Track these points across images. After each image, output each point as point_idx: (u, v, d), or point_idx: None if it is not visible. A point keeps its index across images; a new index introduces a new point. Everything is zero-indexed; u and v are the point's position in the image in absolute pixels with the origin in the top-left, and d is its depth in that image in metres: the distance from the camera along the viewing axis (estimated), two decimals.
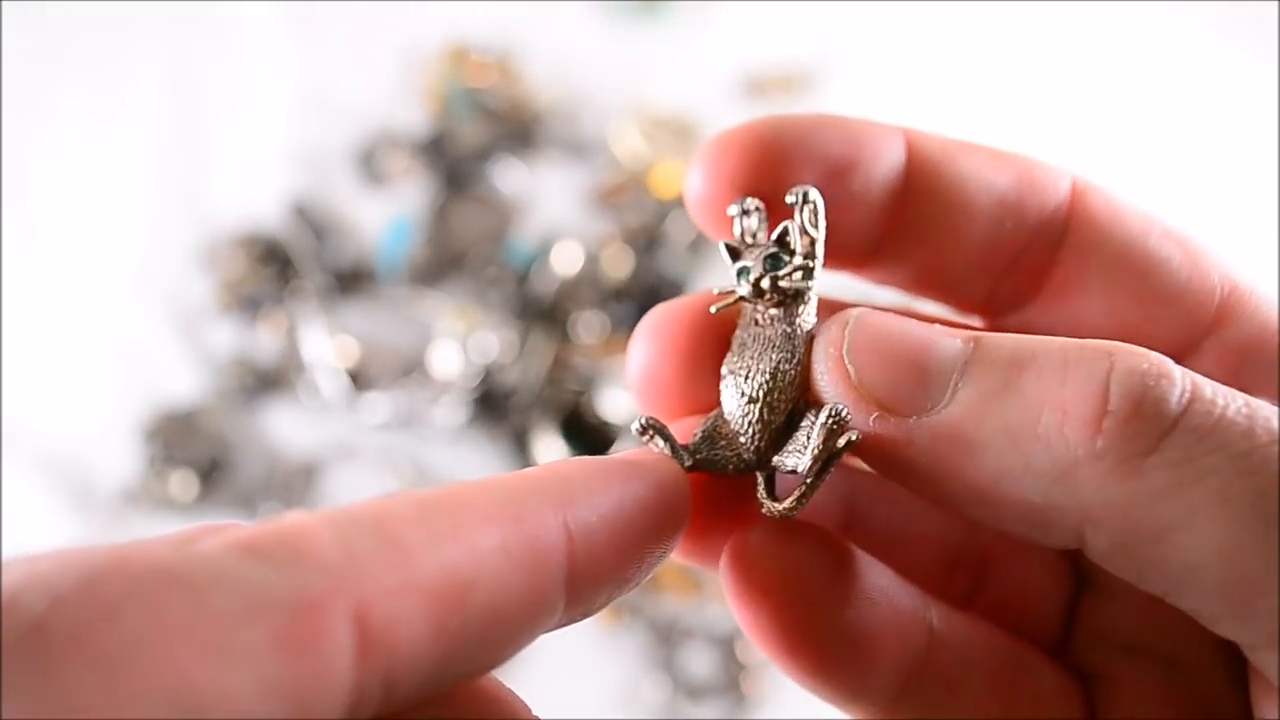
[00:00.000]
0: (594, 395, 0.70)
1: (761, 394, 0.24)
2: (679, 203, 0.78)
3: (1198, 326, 0.24)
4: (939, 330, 0.22)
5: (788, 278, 0.24)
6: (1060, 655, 0.27)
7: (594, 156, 0.81)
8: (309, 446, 0.72)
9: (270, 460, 0.72)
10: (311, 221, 0.77)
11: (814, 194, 0.24)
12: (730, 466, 0.24)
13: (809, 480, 0.23)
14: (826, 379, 0.22)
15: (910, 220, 0.25)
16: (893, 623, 0.24)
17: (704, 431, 0.24)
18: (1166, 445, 0.18)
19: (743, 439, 0.24)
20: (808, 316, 0.24)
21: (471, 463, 0.72)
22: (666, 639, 0.67)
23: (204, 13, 0.85)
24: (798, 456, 0.23)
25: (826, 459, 0.22)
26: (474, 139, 0.80)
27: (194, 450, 0.70)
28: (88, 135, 0.81)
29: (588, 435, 0.70)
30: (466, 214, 0.78)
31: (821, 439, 0.22)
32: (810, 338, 0.24)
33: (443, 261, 0.76)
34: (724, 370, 0.25)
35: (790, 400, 0.24)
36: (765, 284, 0.24)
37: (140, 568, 0.14)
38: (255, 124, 0.82)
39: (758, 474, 0.24)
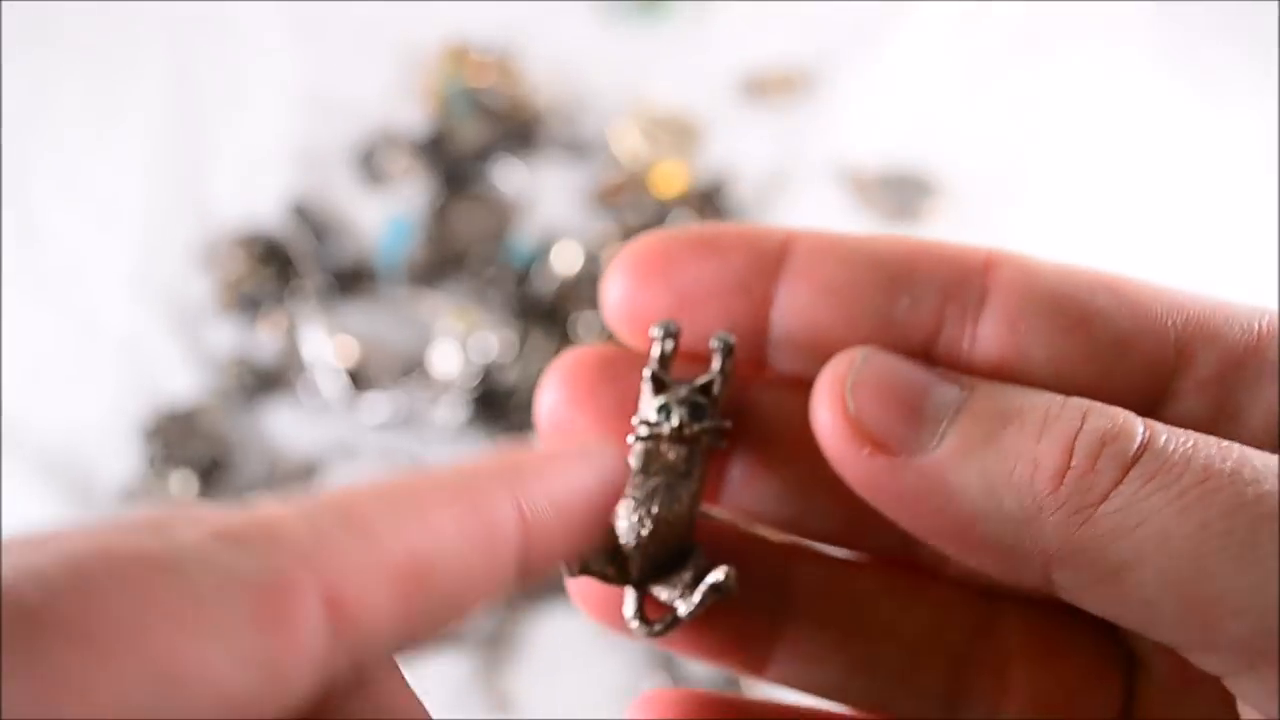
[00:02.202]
0: None
1: (660, 529, 0.25)
2: (679, 202, 0.78)
3: (1159, 368, 0.24)
4: (938, 376, 0.23)
5: (710, 434, 0.25)
6: None
7: (594, 156, 0.81)
8: (309, 446, 0.72)
9: (270, 460, 0.72)
10: (311, 221, 0.77)
11: (733, 342, 0.25)
12: (612, 582, 0.26)
13: (681, 621, 0.25)
14: (825, 412, 0.23)
15: (796, 310, 0.26)
16: None
17: (597, 540, 0.25)
18: (1116, 493, 0.20)
19: (630, 562, 0.26)
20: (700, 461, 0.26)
21: None
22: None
23: (204, 13, 0.85)
24: (680, 598, 0.25)
25: (704, 608, 0.25)
26: (474, 139, 0.80)
27: (194, 450, 0.70)
28: (88, 135, 0.81)
29: None
30: (466, 214, 0.78)
31: (709, 596, 0.24)
32: (704, 475, 0.26)
33: (442, 261, 0.76)
34: (625, 492, 0.26)
35: (680, 537, 0.26)
36: (688, 433, 0.25)
37: (125, 555, 0.15)
38: (255, 124, 0.82)
39: (630, 590, 0.26)
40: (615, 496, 0.23)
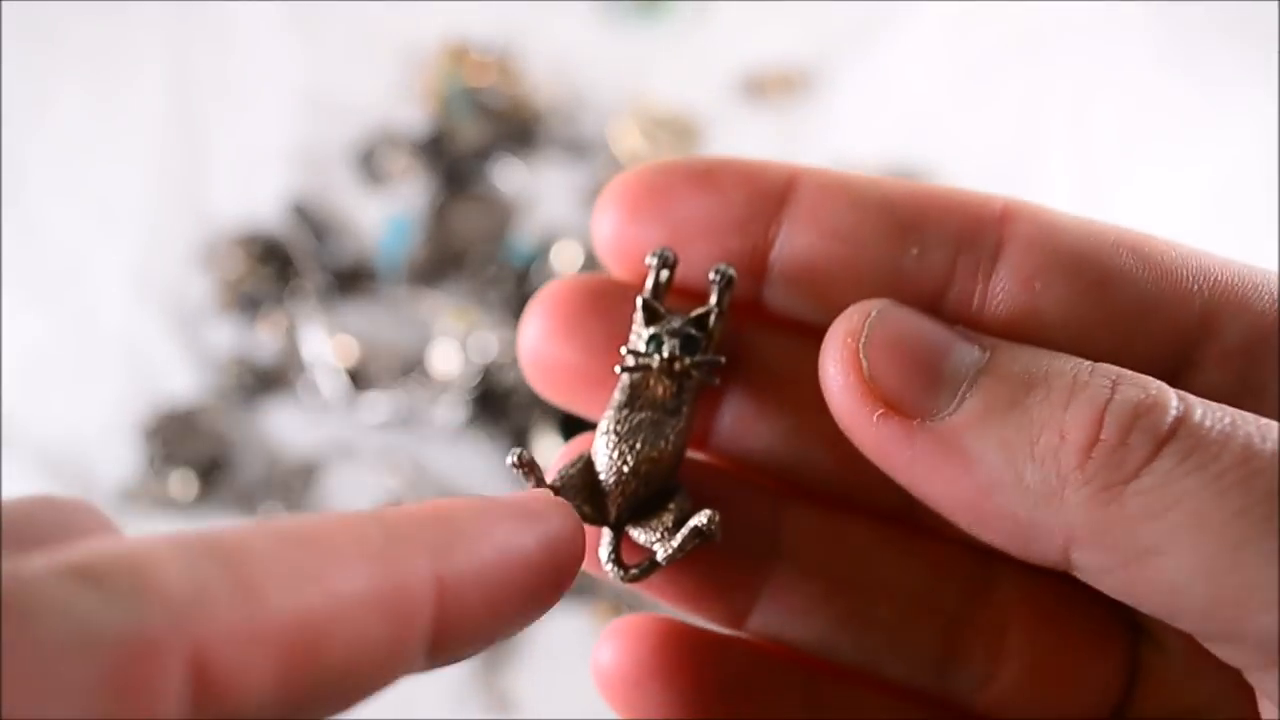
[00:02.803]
0: None
1: (643, 468, 0.24)
2: None
3: (1184, 336, 0.23)
4: (958, 335, 0.22)
5: (700, 368, 0.24)
6: None
7: (594, 156, 0.81)
8: (309, 446, 0.72)
9: (270, 460, 0.72)
10: (311, 221, 0.77)
11: (733, 274, 0.24)
12: (588, 520, 0.24)
13: (660, 565, 0.24)
14: (836, 369, 0.22)
15: (797, 251, 0.24)
16: (767, 703, 0.25)
17: (571, 475, 0.24)
18: (1147, 471, 0.19)
19: (609, 500, 0.24)
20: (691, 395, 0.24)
21: (471, 462, 0.73)
22: None
23: (204, 13, 0.85)
24: (659, 541, 0.24)
25: (683, 554, 0.23)
26: (474, 138, 0.80)
27: (194, 450, 0.70)
28: (88, 135, 0.81)
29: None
30: (466, 213, 0.78)
31: (690, 541, 0.23)
32: (694, 412, 0.24)
33: (442, 261, 0.76)
34: (604, 426, 0.24)
35: (663, 477, 0.24)
36: (678, 367, 0.24)
37: None
38: (255, 124, 0.82)
39: (607, 530, 0.25)
40: (557, 571, 0.20)
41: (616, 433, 0.24)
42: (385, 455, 0.72)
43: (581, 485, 0.24)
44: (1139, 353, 0.23)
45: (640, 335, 0.24)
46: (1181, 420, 0.19)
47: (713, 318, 0.24)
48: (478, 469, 0.72)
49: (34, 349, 0.74)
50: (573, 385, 0.26)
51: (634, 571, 0.24)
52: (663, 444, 0.24)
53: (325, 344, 0.73)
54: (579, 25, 0.86)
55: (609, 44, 0.85)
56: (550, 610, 0.20)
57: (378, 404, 0.72)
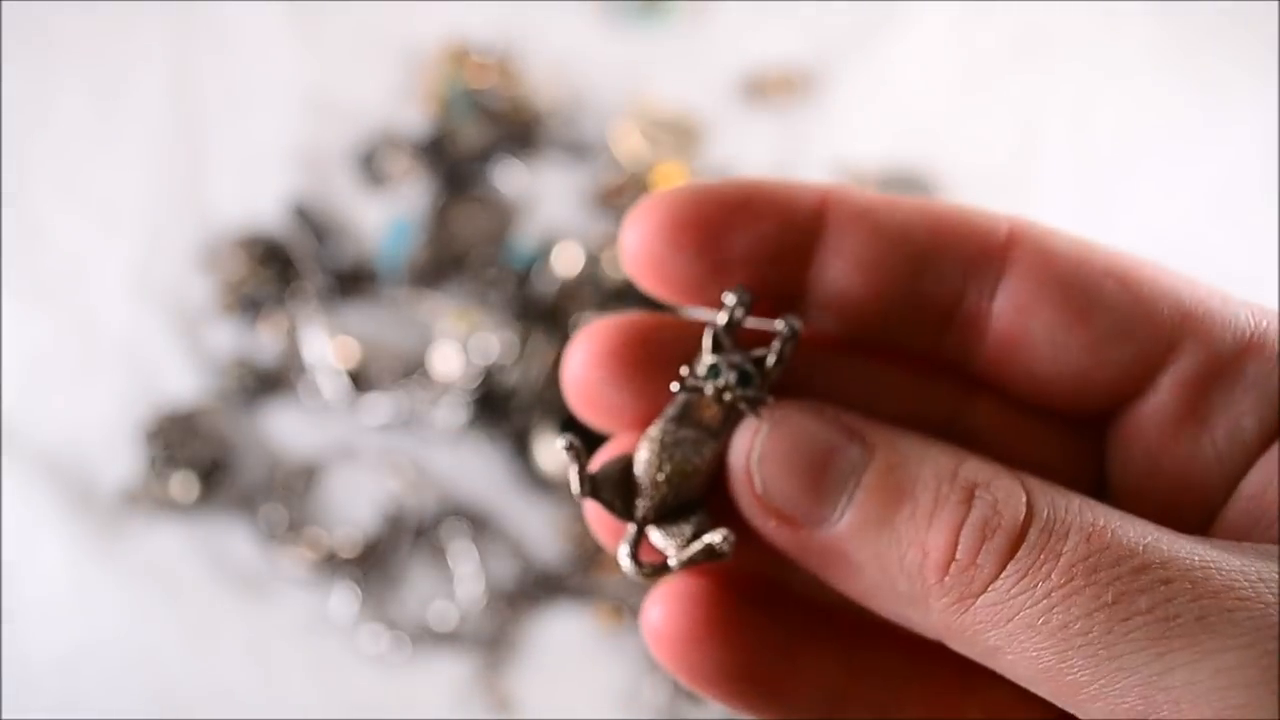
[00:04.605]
0: None
1: (676, 478, 0.26)
2: None
3: (1149, 361, 0.25)
4: (843, 435, 0.24)
5: (748, 403, 0.26)
6: None
7: (594, 157, 0.81)
8: (310, 447, 0.73)
9: (271, 461, 0.72)
10: (312, 222, 0.77)
11: (799, 328, 0.26)
12: (616, 513, 0.27)
13: (670, 570, 0.26)
14: (736, 483, 0.25)
15: (830, 273, 0.27)
16: (807, 666, 0.28)
17: (614, 470, 0.27)
18: (992, 587, 0.22)
19: (639, 499, 0.26)
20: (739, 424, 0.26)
21: (472, 464, 0.73)
22: None
23: (204, 13, 0.85)
24: (674, 546, 0.26)
25: (693, 564, 0.26)
26: (474, 140, 0.80)
27: (194, 451, 0.70)
28: (88, 135, 0.81)
29: (588, 437, 0.70)
30: (467, 215, 0.78)
31: (701, 554, 0.25)
32: (729, 440, 0.26)
33: (443, 262, 0.76)
34: (651, 433, 0.26)
35: (694, 490, 0.26)
36: (728, 397, 0.26)
37: None
38: (255, 124, 0.82)
39: (631, 527, 0.27)
40: None
41: (661, 441, 0.26)
42: (386, 457, 0.72)
43: (618, 481, 0.27)
44: (1109, 373, 0.25)
45: (703, 361, 0.27)
46: (1021, 537, 0.22)
47: (770, 360, 0.26)
48: (479, 471, 0.72)
49: (34, 350, 0.74)
50: (610, 415, 0.28)
51: (646, 569, 0.26)
52: (698, 460, 0.26)
53: (326, 346, 0.73)
54: (579, 27, 0.86)
55: (609, 45, 0.85)
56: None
57: (379, 406, 0.72)
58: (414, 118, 0.81)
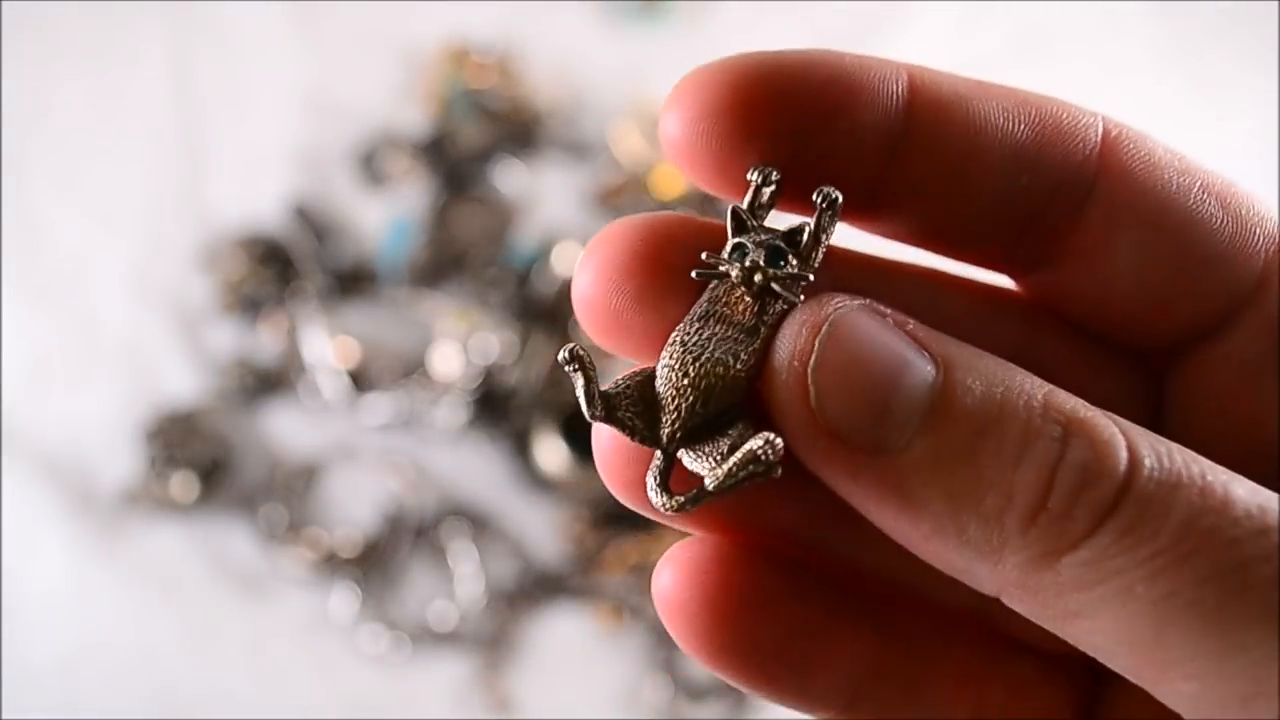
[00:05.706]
0: None
1: (703, 383, 0.21)
2: (680, 203, 0.78)
3: (1236, 295, 0.23)
4: (912, 355, 0.20)
5: (783, 283, 0.22)
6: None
7: (594, 157, 0.81)
8: (310, 447, 0.73)
9: (271, 461, 0.72)
10: (312, 222, 0.77)
11: (839, 199, 0.22)
12: (637, 436, 0.22)
13: (709, 495, 0.21)
14: (783, 392, 0.21)
15: (912, 171, 0.23)
16: (837, 640, 0.24)
17: (627, 385, 0.22)
18: (1086, 545, 0.19)
19: (664, 416, 0.22)
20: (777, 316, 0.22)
21: (472, 464, 0.73)
22: (667, 640, 0.67)
23: (204, 13, 0.85)
24: (710, 468, 0.21)
25: (735, 483, 0.21)
26: (474, 140, 0.80)
27: (195, 451, 0.70)
28: (88, 135, 0.81)
29: (589, 436, 0.70)
30: (467, 215, 0.78)
31: (742, 468, 0.21)
32: (772, 337, 0.22)
33: (443, 262, 0.76)
34: (675, 336, 0.22)
35: (729, 399, 0.22)
36: (758, 278, 0.22)
37: None
38: (255, 124, 0.82)
39: (659, 454, 0.22)
40: None
41: (683, 343, 0.22)
42: (386, 457, 0.72)
43: (638, 398, 0.22)
44: (1191, 305, 0.23)
45: (728, 245, 0.22)
46: (1127, 488, 0.19)
47: (806, 234, 0.22)
48: (479, 471, 0.72)
49: (35, 350, 0.74)
50: (623, 335, 0.23)
51: (680, 500, 0.22)
52: (731, 361, 0.21)
53: (326, 345, 0.73)
54: (579, 27, 0.86)
55: (609, 45, 0.85)
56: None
57: (379, 405, 0.72)
58: (414, 118, 0.81)
